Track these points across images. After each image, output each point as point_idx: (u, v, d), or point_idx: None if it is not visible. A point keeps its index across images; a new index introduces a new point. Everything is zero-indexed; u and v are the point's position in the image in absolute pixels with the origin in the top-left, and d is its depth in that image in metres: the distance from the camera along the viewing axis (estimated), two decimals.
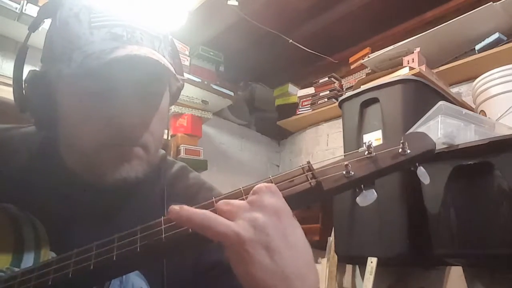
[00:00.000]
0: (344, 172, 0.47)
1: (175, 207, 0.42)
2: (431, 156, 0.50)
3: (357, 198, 0.48)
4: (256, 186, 0.44)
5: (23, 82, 0.57)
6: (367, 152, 0.49)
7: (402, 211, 1.39)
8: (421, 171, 0.50)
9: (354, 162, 0.48)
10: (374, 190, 0.48)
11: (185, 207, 0.42)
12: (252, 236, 0.39)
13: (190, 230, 0.43)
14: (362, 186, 0.48)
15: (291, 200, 0.45)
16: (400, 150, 0.49)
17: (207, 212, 0.41)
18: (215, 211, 0.43)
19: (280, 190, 0.45)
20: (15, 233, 0.53)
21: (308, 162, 0.49)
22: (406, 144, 0.48)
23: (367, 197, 0.48)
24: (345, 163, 0.47)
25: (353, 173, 0.47)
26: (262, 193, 0.43)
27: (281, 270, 0.39)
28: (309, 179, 0.47)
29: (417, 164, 0.49)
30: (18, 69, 0.58)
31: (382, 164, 0.48)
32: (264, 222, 0.40)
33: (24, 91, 0.57)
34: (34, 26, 0.60)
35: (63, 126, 0.59)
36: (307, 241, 0.44)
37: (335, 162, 0.49)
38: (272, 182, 0.47)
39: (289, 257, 0.40)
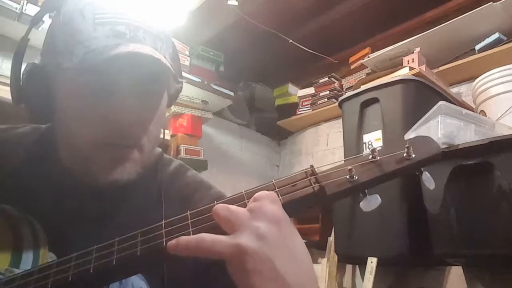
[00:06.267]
0: (347, 177, 0.46)
1: (172, 242, 0.42)
2: (437, 161, 0.49)
3: (361, 203, 0.47)
4: (257, 194, 0.44)
5: (21, 74, 0.57)
6: (371, 156, 0.48)
7: (402, 211, 1.39)
8: (426, 176, 0.49)
9: (358, 166, 0.47)
10: (378, 195, 0.47)
11: (181, 238, 0.42)
12: (254, 246, 0.39)
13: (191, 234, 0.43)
14: (366, 191, 0.47)
15: (293, 204, 0.45)
16: (405, 154, 0.48)
17: (200, 236, 0.41)
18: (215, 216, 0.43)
19: (282, 195, 0.45)
20: (13, 233, 0.53)
21: (312, 166, 0.48)
22: (411, 148, 0.48)
23: (371, 202, 0.47)
24: (349, 167, 0.46)
25: (357, 177, 0.46)
26: (262, 200, 0.43)
27: (282, 280, 0.39)
28: (312, 183, 0.46)
29: (422, 169, 0.49)
30: (17, 60, 0.57)
31: (386, 169, 0.47)
32: (266, 231, 0.40)
33: (21, 82, 0.57)
34: (36, 20, 0.60)
35: (59, 121, 0.58)
36: (306, 249, 0.43)
37: (338, 166, 0.48)
38: (274, 186, 0.46)
39: (290, 267, 0.40)
